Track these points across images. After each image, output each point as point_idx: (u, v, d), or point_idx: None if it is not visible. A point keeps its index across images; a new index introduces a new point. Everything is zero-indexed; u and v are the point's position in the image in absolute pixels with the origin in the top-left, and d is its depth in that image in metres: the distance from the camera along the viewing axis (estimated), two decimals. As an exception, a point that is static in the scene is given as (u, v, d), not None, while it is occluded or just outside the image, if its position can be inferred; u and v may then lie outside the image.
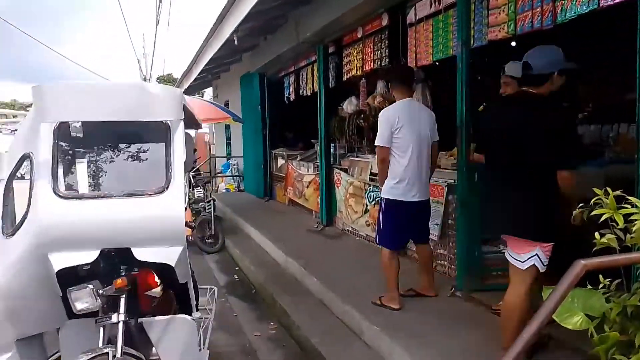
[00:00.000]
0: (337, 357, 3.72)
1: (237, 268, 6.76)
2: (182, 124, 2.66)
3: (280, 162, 10.52)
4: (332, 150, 7.54)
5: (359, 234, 6.62)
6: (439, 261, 4.95)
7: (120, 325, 2.56)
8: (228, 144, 15.65)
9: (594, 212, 2.20)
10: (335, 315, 4.41)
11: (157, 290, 2.78)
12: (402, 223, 4.06)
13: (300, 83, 8.92)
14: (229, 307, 5.30)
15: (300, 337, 4.24)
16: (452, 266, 4.75)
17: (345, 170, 7.05)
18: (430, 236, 4.93)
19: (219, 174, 14.51)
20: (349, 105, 6.97)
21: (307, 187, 8.72)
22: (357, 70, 6.50)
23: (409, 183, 3.96)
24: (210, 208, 7.73)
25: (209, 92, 21.55)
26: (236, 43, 7.11)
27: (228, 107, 11.70)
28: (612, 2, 3.02)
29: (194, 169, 8.76)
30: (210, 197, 8.07)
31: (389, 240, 4.11)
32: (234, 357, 4.11)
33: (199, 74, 11.97)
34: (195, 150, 9.26)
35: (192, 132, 10.90)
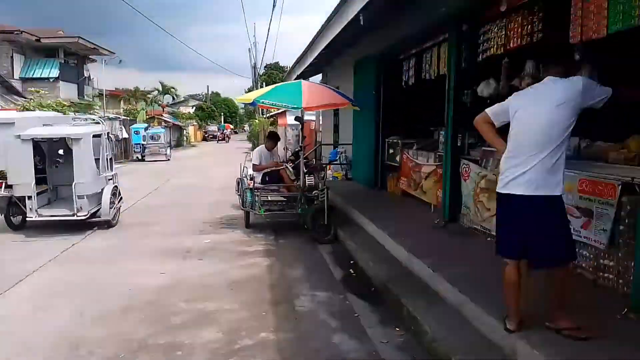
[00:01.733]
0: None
1: (352, 262, 6.36)
2: None
3: (394, 150, 9.96)
4: (459, 138, 6.81)
5: (491, 234, 5.90)
6: (602, 274, 4.13)
7: None
8: (335, 131, 15.36)
9: None
10: (478, 330, 3.81)
11: None
12: (512, 223, 3.35)
13: (423, 66, 8.26)
14: (349, 305, 4.91)
15: (436, 351, 3.70)
16: (621, 280, 3.93)
17: (477, 162, 6.34)
18: (595, 243, 4.16)
19: (325, 162, 14.27)
20: (485, 89, 6.20)
21: (426, 178, 8.09)
22: (497, 48, 5.73)
23: (520, 171, 3.23)
24: (324, 197, 7.41)
25: (315, 79, 21.45)
26: (362, 23, 6.61)
27: (340, 93, 11.32)
28: None
29: (302, 156, 8.48)
30: (324, 185, 7.75)
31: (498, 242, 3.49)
32: (362, 366, 3.69)
33: (313, 60, 11.72)
34: (303, 137, 9.01)
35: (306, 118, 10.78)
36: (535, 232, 3.22)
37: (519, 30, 5.29)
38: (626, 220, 3.81)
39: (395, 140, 9.95)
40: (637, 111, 4.04)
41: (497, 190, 3.44)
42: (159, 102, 43.69)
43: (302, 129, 8.20)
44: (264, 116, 31.56)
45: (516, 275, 3.35)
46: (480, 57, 6.13)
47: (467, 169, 6.56)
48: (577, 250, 4.27)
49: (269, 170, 8.28)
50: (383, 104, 10.30)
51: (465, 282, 4.41)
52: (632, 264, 3.68)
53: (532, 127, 3.20)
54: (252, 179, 8.30)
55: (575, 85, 3.15)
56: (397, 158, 9.58)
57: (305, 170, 7.94)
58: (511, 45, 5.42)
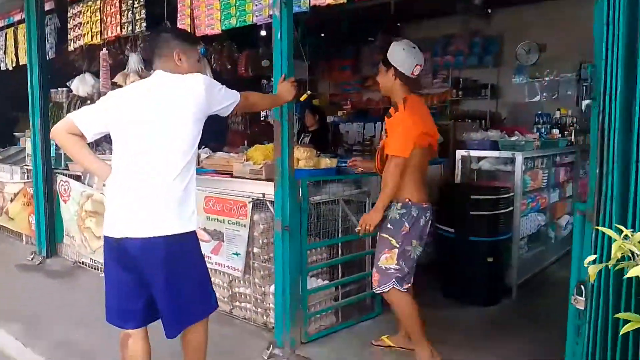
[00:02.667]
0: None
1: None
2: None
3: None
4: (54, 148, 5.32)
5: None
6: (240, 303, 3.65)
7: None
8: None
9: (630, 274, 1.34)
10: None
11: None
12: (112, 277, 2.33)
13: (-5, 52, 6.26)
14: None
15: None
16: (259, 309, 3.52)
17: (79, 178, 5.01)
18: (230, 270, 3.62)
19: None
20: (81, 86, 4.91)
21: (12, 200, 6.17)
22: (93, 36, 4.59)
23: (115, 205, 2.26)
24: None
25: None
26: None
27: None
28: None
29: None
30: None
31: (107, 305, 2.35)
32: None
33: None
34: None
35: None
36: (159, 287, 2.22)
37: (118, 17, 4.31)
38: (260, 241, 3.40)
39: (-38, 151, 7.39)
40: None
41: (103, 234, 2.33)
42: None
43: None
44: None
45: (142, 350, 2.34)
46: (72, 45, 4.85)
47: (66, 187, 5.15)
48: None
49: None
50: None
51: (71, 354, 3.16)
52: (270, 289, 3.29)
53: (143, 142, 2.16)
54: None
55: (196, 86, 2.20)
56: (-33, 175, 7.12)
57: None
58: (109, 34, 4.38)
